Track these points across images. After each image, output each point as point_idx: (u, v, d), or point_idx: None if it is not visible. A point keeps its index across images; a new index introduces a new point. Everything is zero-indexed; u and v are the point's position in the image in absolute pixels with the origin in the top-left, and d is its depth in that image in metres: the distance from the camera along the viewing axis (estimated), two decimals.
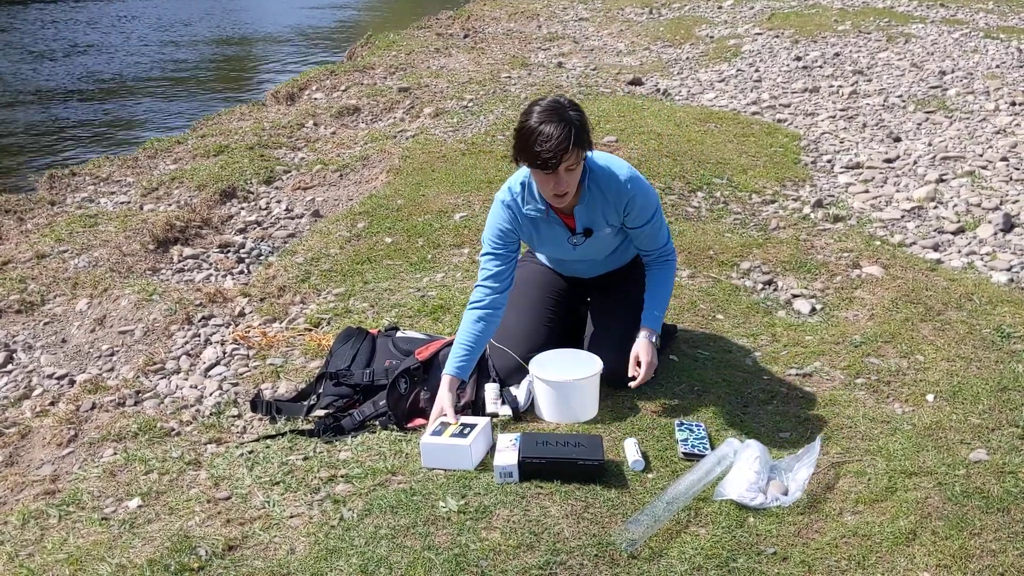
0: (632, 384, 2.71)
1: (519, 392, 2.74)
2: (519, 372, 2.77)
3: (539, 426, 2.63)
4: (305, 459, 2.53)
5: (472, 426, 2.47)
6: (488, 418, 2.57)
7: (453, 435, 2.44)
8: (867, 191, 5.00)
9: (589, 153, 2.60)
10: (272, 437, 2.68)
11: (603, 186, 2.65)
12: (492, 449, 2.46)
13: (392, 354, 2.88)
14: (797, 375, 2.93)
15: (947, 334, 3.15)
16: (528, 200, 2.70)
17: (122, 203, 5.41)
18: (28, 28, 14.05)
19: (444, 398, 2.60)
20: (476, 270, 3.84)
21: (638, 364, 2.71)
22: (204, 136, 6.82)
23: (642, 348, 2.73)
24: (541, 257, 3.10)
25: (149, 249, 4.50)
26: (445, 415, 2.57)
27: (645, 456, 2.46)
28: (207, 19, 15.58)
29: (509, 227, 2.76)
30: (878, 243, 4.17)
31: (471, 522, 2.17)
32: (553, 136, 2.41)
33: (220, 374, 3.22)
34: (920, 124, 6.24)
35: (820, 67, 8.08)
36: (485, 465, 2.41)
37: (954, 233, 4.36)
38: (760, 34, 9.79)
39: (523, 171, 2.70)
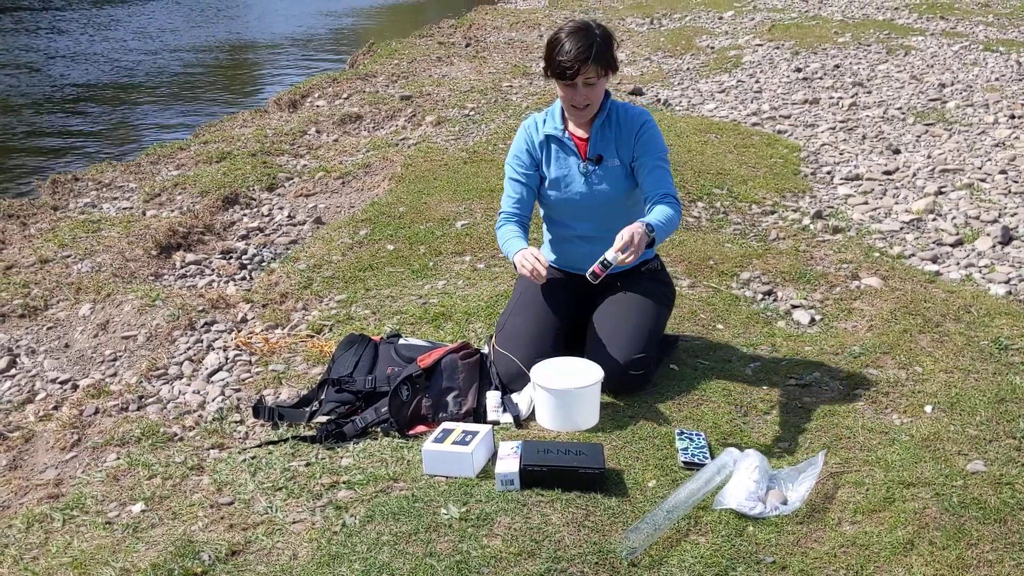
0: (619, 253, 2.57)
1: (520, 400, 2.76)
2: (521, 378, 2.79)
3: (540, 434, 2.65)
4: (307, 465, 2.55)
5: (474, 433, 2.49)
6: (490, 426, 2.59)
7: (455, 442, 2.46)
8: (866, 203, 5.02)
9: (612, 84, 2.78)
10: (274, 443, 2.70)
11: (620, 115, 2.89)
12: (493, 457, 2.47)
13: (394, 361, 2.89)
14: (796, 385, 2.95)
15: (945, 346, 3.17)
16: (549, 121, 2.95)
17: (125, 208, 5.43)
18: (30, 34, 14.09)
19: (530, 254, 2.73)
20: (477, 278, 3.88)
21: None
22: (207, 142, 6.85)
23: (630, 226, 2.60)
24: (546, 252, 3.10)
25: (152, 254, 4.52)
26: (536, 265, 2.69)
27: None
28: (209, 26, 15.63)
29: (526, 148, 2.96)
30: (877, 254, 4.19)
31: (473, 529, 2.19)
32: (574, 47, 2.68)
33: (222, 380, 3.24)
34: (919, 136, 6.27)
35: (820, 79, 8.12)
36: (486, 472, 2.43)
37: (953, 245, 4.39)
38: (760, 45, 9.83)
39: (555, 103, 2.97)
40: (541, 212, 3.11)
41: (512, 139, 3.05)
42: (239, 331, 3.60)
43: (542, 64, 2.87)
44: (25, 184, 6.61)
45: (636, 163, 2.87)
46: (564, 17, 12.93)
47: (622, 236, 2.57)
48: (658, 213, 2.76)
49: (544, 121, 2.96)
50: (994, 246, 4.32)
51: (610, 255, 2.58)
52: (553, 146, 2.94)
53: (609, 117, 2.88)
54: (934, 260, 4.20)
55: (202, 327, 3.63)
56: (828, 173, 5.57)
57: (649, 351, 2.86)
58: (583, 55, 2.67)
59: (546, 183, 2.97)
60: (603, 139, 2.88)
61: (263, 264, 4.56)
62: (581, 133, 2.92)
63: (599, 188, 2.89)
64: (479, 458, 2.45)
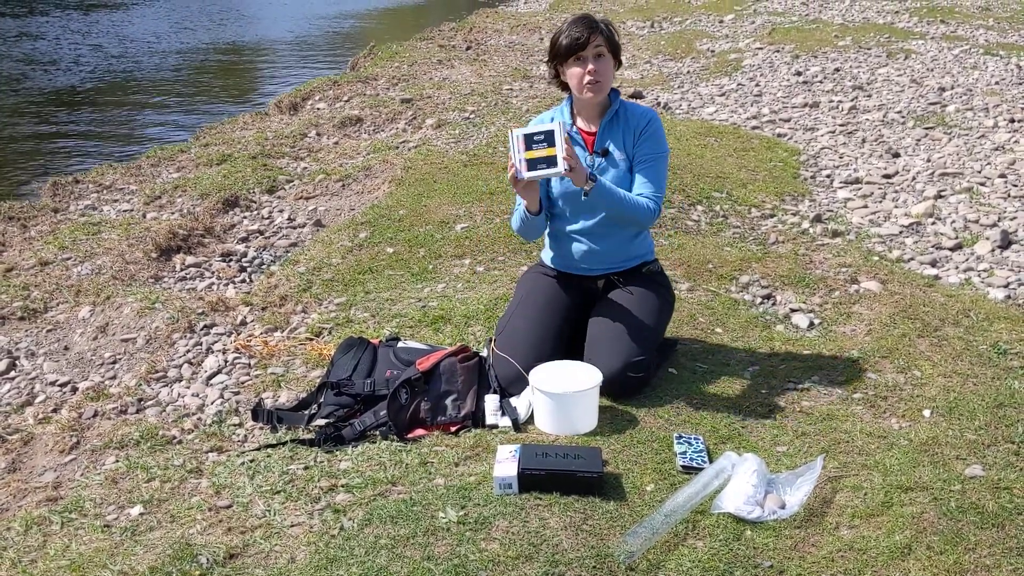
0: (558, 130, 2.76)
1: (519, 404, 2.76)
2: (520, 381, 2.79)
3: (539, 438, 2.65)
4: (306, 468, 2.55)
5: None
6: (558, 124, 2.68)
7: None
8: (866, 206, 5.03)
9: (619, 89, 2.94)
10: (273, 446, 2.70)
11: (630, 112, 2.96)
12: (494, 459, 2.47)
13: (393, 364, 2.90)
14: (795, 389, 2.95)
15: (944, 350, 3.17)
16: (558, 116, 2.99)
17: (125, 211, 5.43)
18: (33, 36, 14.10)
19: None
20: (477, 281, 3.88)
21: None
22: (207, 145, 6.86)
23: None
24: (547, 253, 3.12)
25: (152, 257, 4.53)
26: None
27: (515, 421, 2.65)
28: (210, 29, 15.64)
29: None
30: (876, 258, 4.19)
31: (470, 533, 2.19)
32: (580, 22, 2.85)
33: (222, 383, 3.24)
34: (919, 140, 6.27)
35: (820, 82, 8.13)
36: (484, 476, 2.42)
37: (952, 249, 4.39)
38: (761, 49, 9.84)
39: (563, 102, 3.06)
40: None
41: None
42: (238, 334, 3.60)
43: (546, 61, 2.99)
44: (26, 186, 6.62)
45: (635, 162, 2.90)
46: (564, 20, 12.94)
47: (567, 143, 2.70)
48: (621, 191, 2.86)
49: (552, 118, 2.99)
50: (993, 250, 4.32)
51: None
52: None
53: (617, 113, 2.93)
54: (933, 264, 4.21)
55: (201, 330, 3.63)
56: (828, 177, 5.57)
57: (648, 354, 2.86)
58: (591, 26, 2.82)
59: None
60: (610, 133, 2.93)
61: (263, 267, 4.57)
62: (589, 128, 2.97)
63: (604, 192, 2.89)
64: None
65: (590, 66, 2.82)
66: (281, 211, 5.31)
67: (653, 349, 2.93)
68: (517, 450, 2.43)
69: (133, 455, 2.79)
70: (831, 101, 7.41)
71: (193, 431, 2.93)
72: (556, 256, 3.10)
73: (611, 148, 2.92)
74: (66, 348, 3.69)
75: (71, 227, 4.98)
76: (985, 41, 9.89)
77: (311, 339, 3.48)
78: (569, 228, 3.01)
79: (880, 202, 5.10)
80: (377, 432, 2.70)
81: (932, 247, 4.41)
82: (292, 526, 2.29)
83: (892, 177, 5.51)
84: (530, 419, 2.73)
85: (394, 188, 5.27)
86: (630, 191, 2.92)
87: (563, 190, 2.97)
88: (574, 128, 2.97)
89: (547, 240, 3.15)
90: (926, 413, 2.76)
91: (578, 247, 3.02)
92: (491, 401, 2.75)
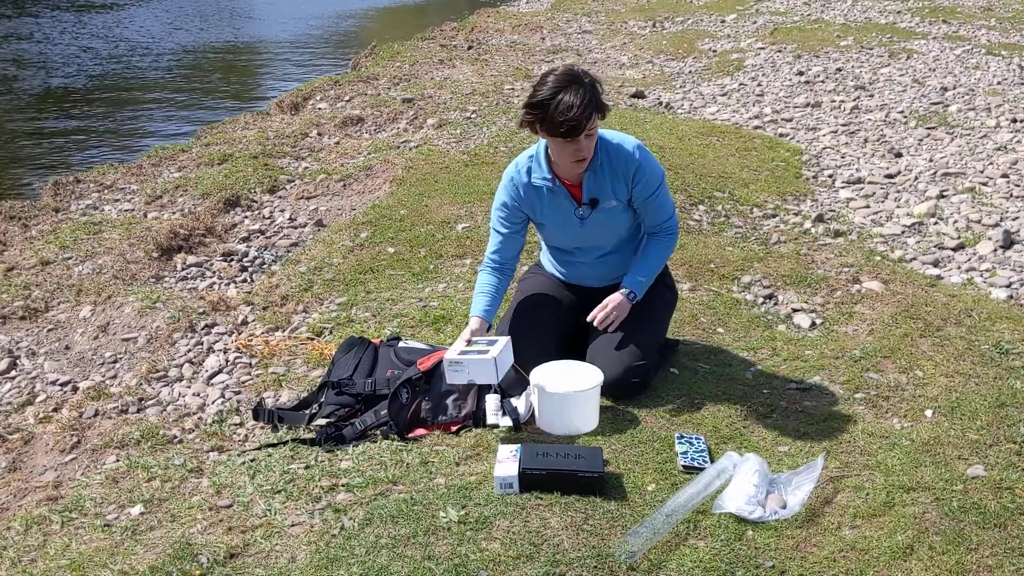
0: (593, 318, 2.80)
1: (520, 403, 2.76)
2: (520, 383, 2.78)
3: (540, 437, 2.65)
4: (306, 468, 2.55)
5: (493, 342, 2.64)
6: (508, 337, 2.70)
7: (477, 352, 2.60)
8: (868, 206, 5.02)
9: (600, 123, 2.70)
10: (274, 445, 2.70)
11: (613, 156, 2.74)
12: (495, 460, 2.47)
13: (394, 364, 2.90)
14: (797, 389, 2.95)
15: (946, 350, 3.17)
16: (536, 170, 2.78)
17: (126, 210, 5.43)
18: (34, 36, 14.11)
19: (467, 332, 2.75)
20: None
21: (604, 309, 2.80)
22: (208, 144, 6.85)
23: (612, 296, 2.81)
24: (547, 263, 3.11)
25: (153, 257, 4.53)
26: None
27: (516, 421, 2.65)
28: (211, 28, 15.64)
29: (513, 203, 2.86)
30: (878, 258, 4.19)
31: (471, 532, 2.18)
32: (575, 104, 2.48)
33: (222, 382, 3.24)
34: (921, 140, 6.27)
35: (822, 82, 8.12)
36: (485, 476, 2.42)
37: (954, 249, 4.38)
38: (763, 48, 9.83)
39: (534, 147, 2.81)
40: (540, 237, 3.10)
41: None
42: (239, 333, 3.60)
43: (524, 120, 2.63)
44: (27, 186, 6.62)
45: (635, 203, 2.83)
46: (565, 20, 12.94)
47: (597, 317, 2.76)
48: (642, 261, 2.86)
49: (529, 170, 2.79)
50: (995, 250, 4.31)
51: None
52: (545, 193, 2.81)
53: (601, 163, 2.74)
54: (935, 264, 4.20)
55: (202, 329, 3.63)
56: (830, 176, 5.56)
57: (649, 359, 2.86)
58: (587, 108, 2.50)
59: (541, 225, 2.94)
60: (596, 184, 2.76)
61: (264, 266, 4.57)
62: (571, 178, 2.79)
63: (598, 228, 2.86)
64: (502, 364, 2.59)
65: (580, 151, 2.60)
66: (282, 211, 5.31)
67: (654, 353, 2.93)
68: (518, 450, 2.42)
69: (134, 454, 2.79)
70: (833, 101, 7.41)
71: (194, 430, 2.93)
72: (556, 272, 3.10)
73: (600, 199, 2.77)
74: (67, 347, 3.69)
75: (72, 226, 4.98)
76: (987, 41, 9.88)
77: (312, 339, 3.48)
78: (570, 258, 3.02)
79: (882, 202, 5.10)
80: (378, 431, 2.70)
81: (934, 247, 4.41)
82: (293, 525, 2.28)
83: (894, 177, 5.50)
84: (531, 419, 2.73)
85: (395, 188, 5.26)
86: (627, 227, 2.89)
87: (558, 236, 2.93)
88: (556, 182, 2.77)
89: (544, 246, 3.14)
90: (928, 413, 2.76)
91: (574, 272, 3.04)
92: (492, 401, 2.74)
